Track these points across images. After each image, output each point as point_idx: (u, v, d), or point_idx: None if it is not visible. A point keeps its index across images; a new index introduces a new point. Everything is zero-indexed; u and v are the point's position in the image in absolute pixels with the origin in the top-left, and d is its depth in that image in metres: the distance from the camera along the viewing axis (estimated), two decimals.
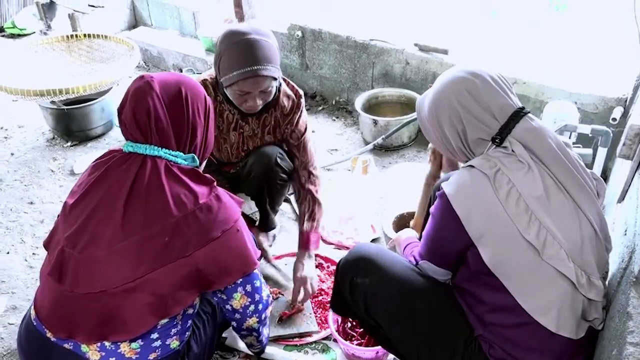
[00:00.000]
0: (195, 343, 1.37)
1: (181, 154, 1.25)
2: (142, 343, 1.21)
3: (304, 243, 1.93)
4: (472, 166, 1.21)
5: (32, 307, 1.29)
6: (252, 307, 1.36)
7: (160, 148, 1.22)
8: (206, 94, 1.31)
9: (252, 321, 1.39)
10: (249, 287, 1.32)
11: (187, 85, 1.26)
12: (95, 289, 1.15)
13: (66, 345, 1.21)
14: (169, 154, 1.22)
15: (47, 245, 1.29)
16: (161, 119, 1.21)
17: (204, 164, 1.38)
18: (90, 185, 1.22)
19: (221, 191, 1.25)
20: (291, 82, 1.93)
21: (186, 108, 1.23)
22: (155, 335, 1.22)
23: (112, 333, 1.17)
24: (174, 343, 1.27)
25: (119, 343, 1.19)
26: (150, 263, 1.14)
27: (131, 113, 1.21)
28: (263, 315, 1.42)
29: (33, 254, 2.30)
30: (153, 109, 1.20)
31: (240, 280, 1.29)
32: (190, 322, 1.32)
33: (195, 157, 1.28)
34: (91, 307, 1.16)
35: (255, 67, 1.61)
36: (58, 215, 1.30)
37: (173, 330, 1.26)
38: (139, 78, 1.25)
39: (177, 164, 1.23)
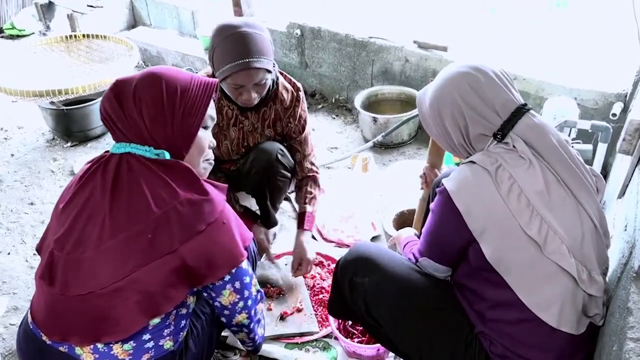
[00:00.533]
0: (194, 343, 1.37)
1: (151, 148, 1.22)
2: (134, 344, 1.20)
3: (306, 222, 1.98)
4: (472, 162, 1.21)
5: (29, 311, 1.28)
6: (241, 304, 1.34)
7: (128, 144, 1.21)
8: (168, 85, 1.22)
9: (241, 317, 1.38)
10: (237, 284, 1.30)
11: (140, 78, 1.23)
12: (84, 290, 1.14)
13: (61, 348, 1.21)
14: (137, 149, 1.21)
15: (39, 249, 1.29)
16: (117, 117, 1.21)
17: (186, 158, 1.29)
18: (78, 188, 1.22)
19: (202, 182, 1.22)
20: (288, 75, 1.94)
21: (134, 102, 1.20)
22: (147, 336, 1.21)
23: (105, 334, 1.16)
24: (167, 344, 1.26)
25: (111, 345, 1.18)
26: (137, 261, 1.13)
27: (100, 117, 1.26)
28: (253, 311, 1.40)
29: (34, 254, 2.30)
30: (107, 110, 1.22)
31: (229, 277, 1.27)
32: (184, 322, 1.31)
33: (166, 153, 1.23)
34: (83, 309, 1.16)
35: (247, 60, 1.62)
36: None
37: (166, 330, 1.25)
38: None
39: (150, 158, 1.21)
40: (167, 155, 1.23)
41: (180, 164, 1.22)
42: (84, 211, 1.18)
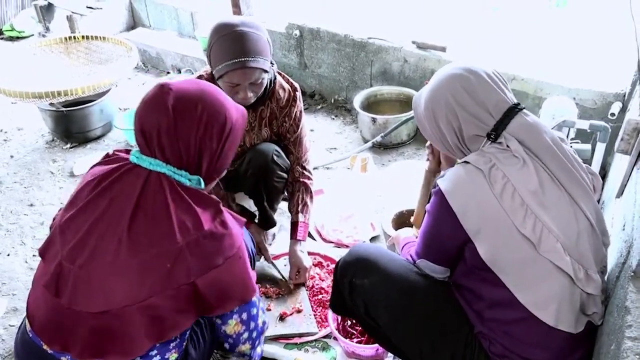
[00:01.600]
0: (194, 348, 1.35)
1: (187, 173, 1.18)
2: None
3: (299, 232, 2.00)
4: (467, 162, 1.22)
5: (26, 315, 1.25)
6: (245, 335, 1.32)
7: (164, 164, 1.16)
8: (228, 115, 1.21)
9: (244, 347, 1.36)
10: (244, 316, 1.28)
11: (207, 102, 1.17)
12: (94, 308, 1.11)
13: (63, 358, 1.18)
14: (174, 172, 1.16)
15: (43, 253, 1.23)
16: (167, 134, 1.15)
17: (211, 185, 1.31)
18: (94, 196, 1.17)
19: (225, 215, 1.20)
20: (287, 76, 1.95)
21: (197, 127, 1.15)
22: (154, 352, 1.20)
23: (108, 353, 1.14)
24: (172, 356, 1.24)
25: None
26: (152, 287, 1.11)
27: (139, 123, 1.17)
28: (257, 342, 1.38)
29: (33, 255, 2.30)
30: (159, 122, 1.14)
31: (237, 308, 1.25)
32: (188, 332, 1.29)
33: (201, 180, 1.21)
34: (88, 324, 1.13)
35: (243, 59, 1.63)
36: (53, 219, 1.27)
37: (172, 344, 1.23)
38: (158, 86, 1.18)
39: (182, 184, 1.18)
40: (202, 182, 1.22)
41: (209, 197, 1.20)
42: (100, 223, 1.14)
